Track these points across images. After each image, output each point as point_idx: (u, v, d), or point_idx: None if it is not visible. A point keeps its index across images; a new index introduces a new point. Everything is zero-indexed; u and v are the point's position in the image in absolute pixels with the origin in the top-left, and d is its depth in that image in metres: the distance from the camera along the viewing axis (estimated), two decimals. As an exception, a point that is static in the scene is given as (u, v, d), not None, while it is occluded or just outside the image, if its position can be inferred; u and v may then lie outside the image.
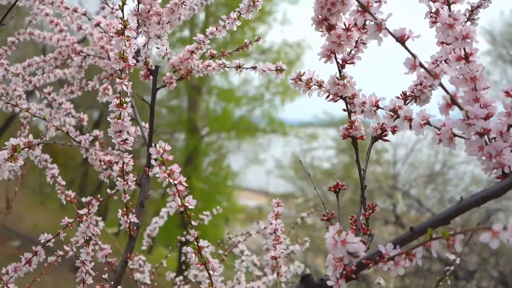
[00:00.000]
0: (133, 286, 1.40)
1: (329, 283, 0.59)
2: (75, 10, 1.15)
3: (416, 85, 0.73)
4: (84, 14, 1.15)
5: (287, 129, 11.82)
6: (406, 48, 0.55)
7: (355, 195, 7.83)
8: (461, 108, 0.55)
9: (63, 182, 1.17)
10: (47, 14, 1.26)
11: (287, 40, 11.11)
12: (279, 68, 0.91)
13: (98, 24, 1.11)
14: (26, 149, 0.73)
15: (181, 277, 1.44)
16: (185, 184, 0.68)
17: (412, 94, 0.74)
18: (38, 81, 1.34)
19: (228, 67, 1.06)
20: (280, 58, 11.12)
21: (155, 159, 0.66)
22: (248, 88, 12.21)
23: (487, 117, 0.57)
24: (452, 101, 0.55)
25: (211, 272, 0.69)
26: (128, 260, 1.06)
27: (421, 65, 0.55)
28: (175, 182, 0.67)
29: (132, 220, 1.03)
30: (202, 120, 11.79)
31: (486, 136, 0.56)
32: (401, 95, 0.74)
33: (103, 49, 1.20)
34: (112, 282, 1.00)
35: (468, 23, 0.77)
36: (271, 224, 1.03)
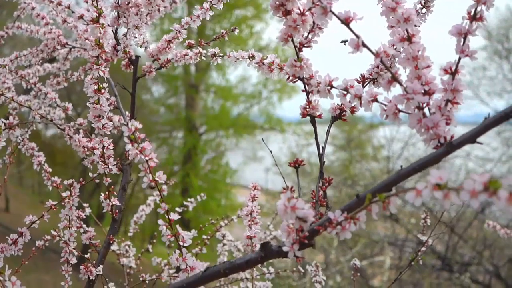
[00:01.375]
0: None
1: (284, 248, 0.64)
2: (59, 4, 1.19)
3: (374, 68, 0.78)
4: (68, 7, 1.20)
5: (285, 126, 11.88)
6: (350, 29, 0.60)
7: (352, 190, 7.89)
8: (401, 84, 0.60)
9: (50, 169, 1.22)
10: (33, 8, 1.30)
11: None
12: (251, 55, 0.95)
13: (81, 17, 1.15)
14: (7, 130, 0.78)
15: (165, 261, 1.49)
16: (156, 160, 0.72)
17: (370, 76, 0.78)
18: (28, 75, 1.39)
19: (204, 56, 1.11)
20: (278, 55, 11.16)
21: (127, 137, 0.71)
22: (245, 85, 12.27)
23: (428, 94, 0.62)
24: (393, 78, 0.60)
25: (181, 243, 0.74)
26: (111, 242, 1.11)
27: (364, 45, 0.59)
28: (147, 158, 0.72)
29: (114, 203, 1.07)
30: (200, 118, 11.84)
31: (426, 110, 0.61)
32: (359, 77, 0.79)
33: (87, 41, 1.24)
34: (94, 262, 1.05)
35: (424, 10, 0.82)
36: (247, 206, 1.08)
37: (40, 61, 1.35)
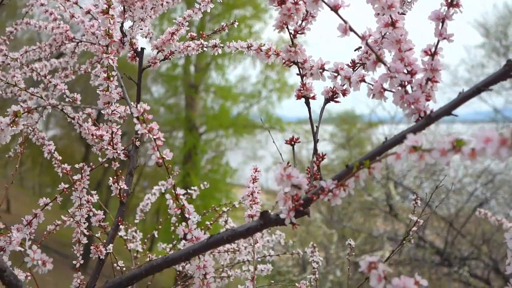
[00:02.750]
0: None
1: (281, 215, 0.70)
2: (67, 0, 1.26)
3: (363, 53, 0.84)
4: (76, 3, 1.26)
5: (284, 125, 11.94)
6: (338, 15, 0.66)
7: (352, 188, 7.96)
8: (385, 64, 0.67)
9: (60, 157, 1.28)
10: (42, 4, 1.37)
11: (283, 37, 11.22)
12: (249, 45, 1.01)
13: (88, 12, 1.22)
14: (26, 114, 0.84)
15: (170, 245, 1.55)
16: (163, 139, 0.79)
17: (360, 61, 0.85)
18: (38, 68, 1.46)
19: (205, 47, 1.17)
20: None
21: (137, 117, 0.77)
22: (245, 85, 12.35)
23: (411, 73, 0.69)
24: (378, 59, 0.67)
25: (187, 215, 0.81)
26: (120, 224, 1.17)
27: (351, 29, 0.66)
28: (155, 137, 0.79)
29: (122, 187, 1.14)
30: (200, 118, 11.90)
31: (409, 88, 0.68)
32: (350, 62, 0.85)
33: (94, 35, 1.31)
34: (104, 241, 1.11)
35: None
36: (248, 187, 1.14)
37: (49, 55, 1.41)
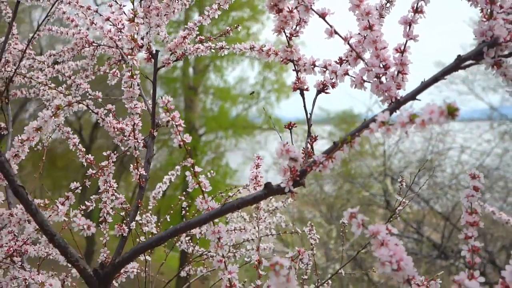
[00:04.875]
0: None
1: (282, 185, 0.86)
2: (88, 8, 1.42)
3: (348, 52, 1.00)
4: (96, 11, 1.42)
5: (283, 126, 12.09)
6: (325, 21, 0.82)
7: (352, 187, 8.15)
8: (363, 60, 0.83)
9: (83, 149, 1.44)
10: (64, 12, 1.53)
11: (280, 38, 11.36)
12: (252, 46, 1.18)
13: (107, 19, 1.37)
14: (67, 107, 1.00)
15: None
16: (183, 125, 0.95)
17: (346, 59, 1.00)
18: (63, 69, 1.62)
19: (213, 49, 1.33)
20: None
21: (161, 107, 0.93)
22: (244, 86, 12.52)
23: (385, 68, 0.85)
24: (357, 56, 0.83)
25: (203, 189, 0.97)
26: (139, 206, 1.33)
27: (336, 32, 0.82)
28: (177, 123, 0.94)
29: (141, 173, 1.30)
30: (199, 120, 12.06)
31: (383, 78, 0.84)
32: (338, 59, 1.01)
33: (111, 40, 1.47)
34: (128, 219, 1.27)
35: (388, 4, 1.04)
36: (252, 172, 1.29)
37: (70, 58, 1.57)
